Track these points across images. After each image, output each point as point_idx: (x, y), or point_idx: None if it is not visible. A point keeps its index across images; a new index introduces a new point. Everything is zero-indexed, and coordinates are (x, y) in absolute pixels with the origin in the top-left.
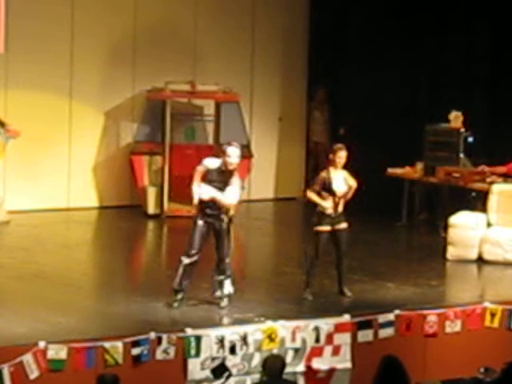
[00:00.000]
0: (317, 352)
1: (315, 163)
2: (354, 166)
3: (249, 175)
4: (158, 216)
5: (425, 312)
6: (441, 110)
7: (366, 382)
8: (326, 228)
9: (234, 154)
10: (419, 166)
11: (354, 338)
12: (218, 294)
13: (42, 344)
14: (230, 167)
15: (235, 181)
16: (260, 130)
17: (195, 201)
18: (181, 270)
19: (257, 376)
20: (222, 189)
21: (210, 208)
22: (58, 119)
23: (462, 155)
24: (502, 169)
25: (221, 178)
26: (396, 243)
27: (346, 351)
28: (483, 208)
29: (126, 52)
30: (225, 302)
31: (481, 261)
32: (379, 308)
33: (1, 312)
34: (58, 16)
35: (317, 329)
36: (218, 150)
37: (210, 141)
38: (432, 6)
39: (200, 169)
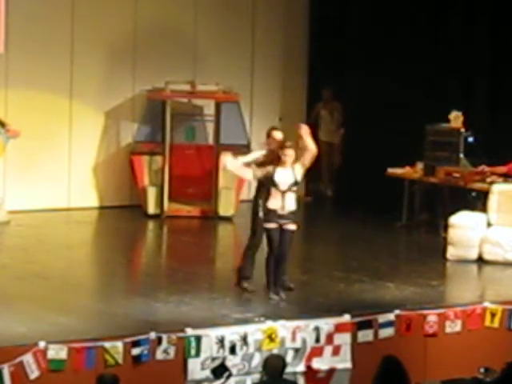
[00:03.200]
0: (317, 352)
1: (327, 163)
2: (354, 166)
3: None
4: (158, 216)
5: (425, 312)
6: (441, 110)
7: (366, 382)
8: (273, 225)
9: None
10: (419, 165)
11: (354, 337)
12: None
13: (42, 344)
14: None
15: None
16: (260, 129)
17: None
18: None
19: (257, 376)
20: None
21: None
22: (58, 119)
23: (461, 155)
24: (502, 169)
25: None
26: (396, 243)
27: (346, 351)
28: (483, 208)
29: (126, 52)
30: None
31: (481, 261)
32: (379, 308)
33: (1, 312)
34: (58, 16)
35: (317, 329)
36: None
37: (210, 141)
38: (433, 6)
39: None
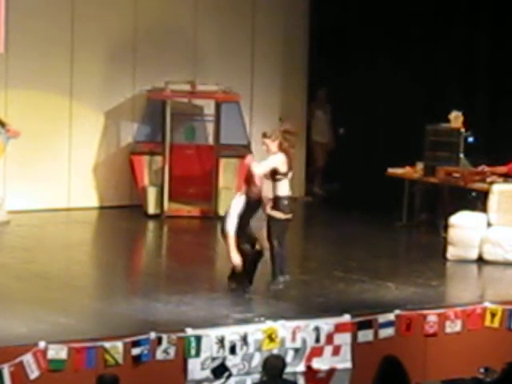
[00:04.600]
0: (317, 352)
1: (318, 163)
2: (354, 166)
3: None
4: (158, 216)
5: (425, 312)
6: (441, 110)
7: (366, 382)
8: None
9: None
10: (419, 166)
11: (354, 337)
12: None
13: (42, 344)
14: None
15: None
16: (260, 129)
17: None
18: None
19: (257, 376)
20: None
21: None
22: (58, 119)
23: (461, 155)
24: (502, 169)
25: None
26: (396, 243)
27: (346, 351)
28: (483, 208)
29: (126, 52)
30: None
31: (481, 261)
32: (379, 308)
33: (1, 312)
34: (58, 16)
35: (317, 329)
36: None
37: (210, 141)
38: (432, 6)
39: None
